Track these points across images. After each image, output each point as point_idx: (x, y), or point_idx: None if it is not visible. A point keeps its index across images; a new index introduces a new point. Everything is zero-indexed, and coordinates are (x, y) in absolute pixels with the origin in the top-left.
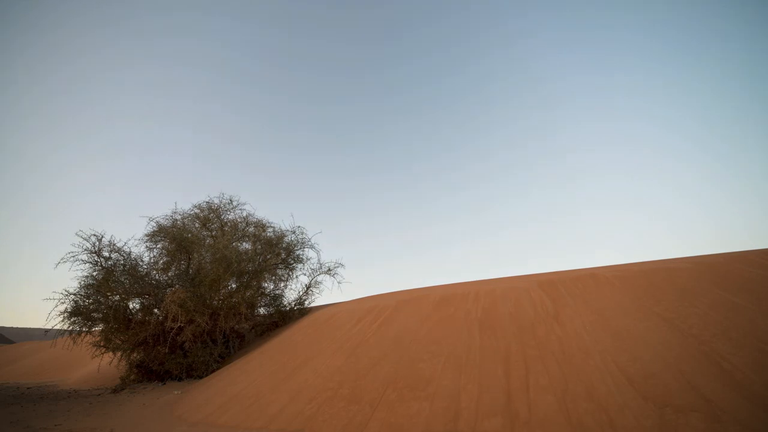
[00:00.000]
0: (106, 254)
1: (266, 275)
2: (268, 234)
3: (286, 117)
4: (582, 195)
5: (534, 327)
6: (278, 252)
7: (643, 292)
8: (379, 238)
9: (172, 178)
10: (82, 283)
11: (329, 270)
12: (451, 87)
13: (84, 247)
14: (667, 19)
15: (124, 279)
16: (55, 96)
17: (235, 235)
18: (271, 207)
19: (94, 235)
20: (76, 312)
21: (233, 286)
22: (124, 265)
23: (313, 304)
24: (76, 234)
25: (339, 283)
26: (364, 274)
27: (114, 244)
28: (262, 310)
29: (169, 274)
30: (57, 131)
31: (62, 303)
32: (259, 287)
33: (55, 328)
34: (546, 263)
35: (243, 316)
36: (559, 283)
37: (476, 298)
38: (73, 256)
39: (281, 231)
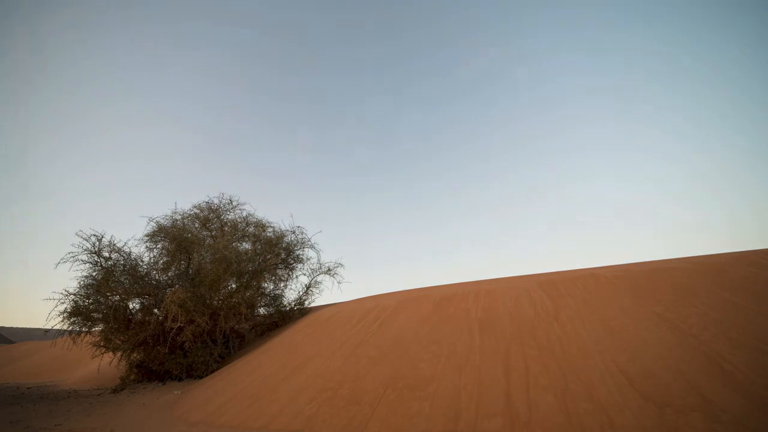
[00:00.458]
0: (106, 254)
1: (266, 275)
2: (268, 234)
3: (286, 116)
4: (582, 195)
5: (534, 327)
6: (278, 252)
7: (643, 292)
8: (379, 238)
9: (172, 179)
10: (82, 283)
11: (329, 270)
12: (454, 87)
13: (84, 247)
14: (666, 18)
15: (124, 279)
16: (55, 96)
17: (235, 235)
18: (270, 207)
19: (94, 235)
20: (76, 312)
21: (233, 286)
22: (124, 265)
23: (313, 304)
24: (76, 234)
25: (339, 283)
26: (364, 274)
27: (114, 244)
28: (262, 310)
29: (169, 274)
30: (57, 132)
31: (62, 303)
32: (259, 287)
33: (55, 328)
34: (546, 263)
35: (243, 316)
36: (559, 283)
37: (476, 299)
38: (73, 257)
39: (281, 231)
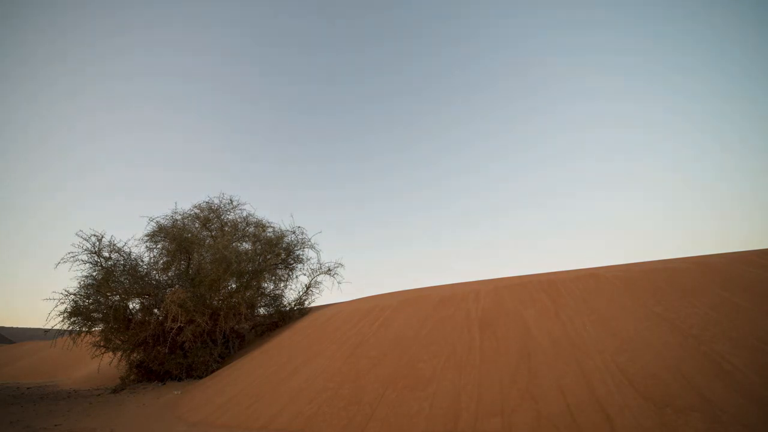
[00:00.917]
0: (106, 254)
1: (266, 275)
2: (268, 234)
3: (286, 116)
4: (582, 195)
5: (534, 327)
6: (278, 252)
7: (643, 292)
8: (380, 238)
9: (172, 178)
10: (82, 283)
11: (329, 270)
12: (457, 87)
13: (84, 247)
14: (666, 18)
15: (124, 279)
16: (55, 97)
17: (235, 235)
18: (270, 207)
19: (94, 235)
20: (75, 312)
21: (233, 286)
22: (124, 266)
23: (313, 305)
24: (76, 234)
25: (339, 283)
26: (364, 275)
27: (114, 245)
28: (262, 310)
29: (169, 274)
30: (57, 132)
31: (62, 303)
32: (259, 287)
33: (55, 328)
34: (546, 263)
35: (243, 317)
36: (560, 283)
37: (476, 299)
38: (73, 256)
39: (281, 231)
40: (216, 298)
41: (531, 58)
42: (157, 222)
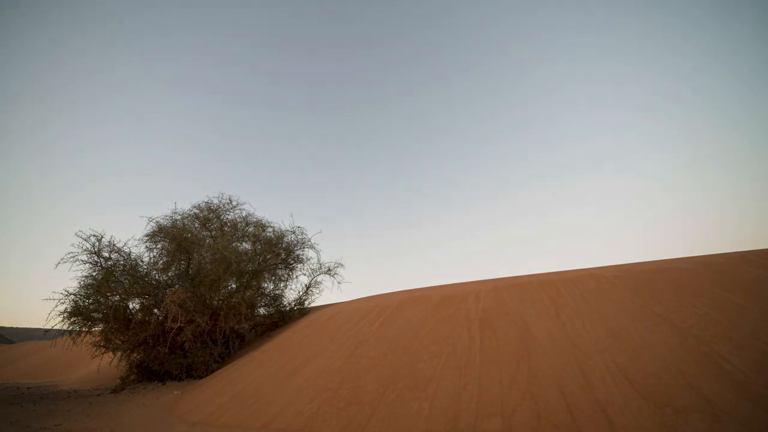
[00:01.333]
0: (105, 254)
1: (266, 275)
2: (268, 234)
3: (286, 116)
4: (583, 195)
5: (534, 327)
6: (278, 252)
7: (643, 292)
8: (380, 238)
9: (172, 179)
10: (82, 283)
11: (329, 270)
12: (457, 87)
13: (84, 247)
14: (667, 18)
15: (124, 279)
16: (55, 97)
17: (234, 235)
18: (271, 207)
19: (94, 235)
20: (76, 312)
21: (233, 286)
22: (124, 266)
23: (313, 304)
24: (76, 234)
25: (339, 283)
26: (364, 275)
27: (114, 245)
28: (262, 310)
29: (169, 274)
30: (57, 132)
31: (62, 303)
32: (259, 287)
33: (55, 328)
34: (546, 263)
35: (243, 316)
36: (560, 283)
37: (476, 299)
38: (73, 257)
39: (281, 231)
40: (216, 298)
41: (532, 59)
42: (157, 222)
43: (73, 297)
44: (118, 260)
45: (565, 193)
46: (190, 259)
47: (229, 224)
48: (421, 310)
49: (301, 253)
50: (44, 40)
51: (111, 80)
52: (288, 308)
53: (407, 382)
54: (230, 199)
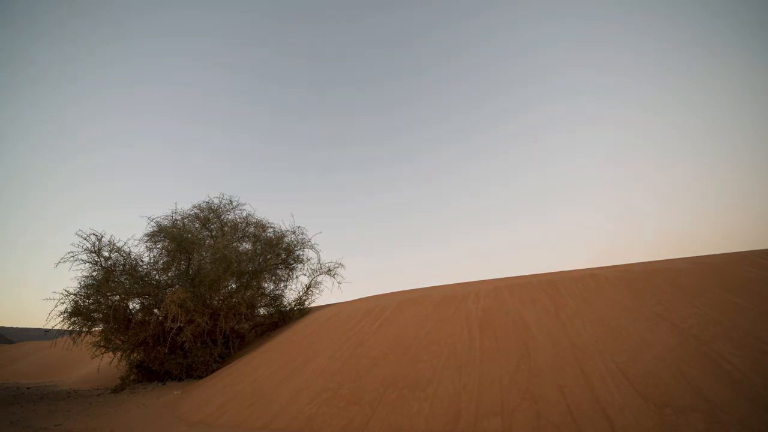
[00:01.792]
0: (105, 254)
1: (266, 275)
2: (268, 234)
3: (286, 115)
4: (582, 195)
5: (534, 327)
6: (278, 252)
7: (643, 292)
8: (380, 238)
9: (172, 179)
10: (82, 283)
11: (329, 270)
12: (457, 86)
13: (84, 247)
14: (667, 18)
15: (124, 279)
16: (55, 96)
17: (235, 235)
18: (271, 207)
19: (94, 234)
20: (76, 312)
21: (233, 286)
22: (124, 265)
23: (313, 305)
24: (76, 234)
25: (339, 283)
26: (364, 275)
27: (114, 244)
28: (262, 311)
29: (169, 274)
30: (57, 132)
31: (62, 303)
32: (259, 287)
33: (55, 328)
34: (546, 263)
35: (243, 316)
36: (560, 283)
37: (476, 299)
38: (73, 256)
39: (281, 231)
40: (216, 298)
41: (531, 59)
42: (157, 222)
43: (73, 297)
44: (118, 260)
45: (565, 194)
46: (190, 259)
47: (229, 224)
48: (421, 310)
49: (301, 253)
50: (45, 39)
51: (110, 80)
52: (288, 308)
53: (407, 382)
54: (230, 200)
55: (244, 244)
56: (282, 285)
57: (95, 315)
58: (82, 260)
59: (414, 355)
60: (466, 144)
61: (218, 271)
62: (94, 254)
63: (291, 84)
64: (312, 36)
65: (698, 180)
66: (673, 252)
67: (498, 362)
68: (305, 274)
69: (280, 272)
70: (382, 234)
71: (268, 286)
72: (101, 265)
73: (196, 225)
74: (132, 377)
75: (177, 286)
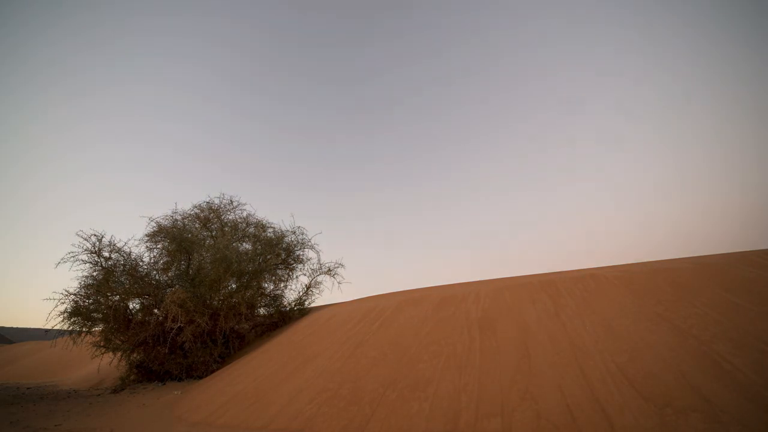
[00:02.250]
0: (106, 254)
1: (266, 275)
2: (268, 234)
3: (286, 114)
4: (582, 195)
5: (534, 327)
6: (278, 252)
7: (643, 293)
8: (380, 239)
9: (172, 179)
10: (82, 283)
11: (329, 270)
12: (456, 85)
13: (84, 247)
14: (668, 18)
15: (124, 279)
16: (55, 95)
17: (235, 235)
18: (271, 207)
19: (94, 235)
20: (76, 312)
21: (233, 286)
22: (124, 266)
23: (313, 305)
24: (76, 234)
25: (339, 283)
26: (364, 275)
27: (114, 245)
28: (262, 311)
29: (169, 274)
30: (57, 131)
31: (62, 303)
32: (259, 287)
33: (55, 328)
34: (546, 263)
35: (243, 317)
36: (560, 283)
37: (476, 299)
38: (73, 256)
39: (281, 231)
40: (216, 298)
41: (529, 58)
42: (157, 222)
43: (73, 297)
44: (118, 260)
45: (566, 193)
46: (190, 259)
47: (229, 224)
48: (421, 311)
49: (302, 253)
50: (47, 44)
51: (110, 80)
52: (288, 308)
53: (407, 382)
54: (231, 200)
55: (244, 244)
56: (282, 285)
57: (95, 315)
58: (83, 261)
59: (414, 356)
60: (469, 142)
61: (218, 271)
62: (94, 254)
63: (290, 85)
64: (312, 36)
65: (699, 180)
66: (673, 252)
67: (498, 362)
68: (305, 274)
69: (280, 272)
70: (381, 234)
71: (268, 286)
72: (101, 266)
73: (197, 225)
74: (132, 377)
75: (177, 286)
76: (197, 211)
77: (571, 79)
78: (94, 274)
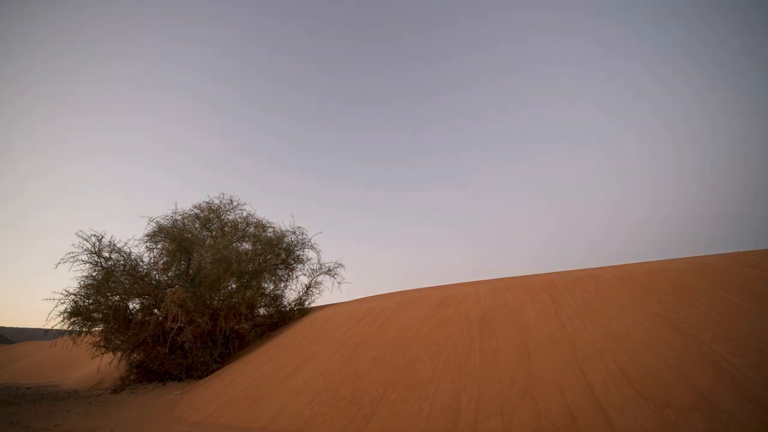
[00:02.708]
0: (106, 254)
1: (266, 275)
2: (268, 234)
3: (286, 115)
4: (582, 195)
5: (534, 327)
6: (278, 252)
7: (643, 293)
8: (380, 239)
9: (172, 179)
10: (82, 283)
11: (329, 270)
12: (456, 86)
13: (84, 247)
14: (668, 18)
15: (124, 279)
16: (55, 95)
17: (235, 235)
18: (271, 207)
19: (94, 235)
20: (76, 312)
21: (233, 286)
22: (124, 266)
23: (313, 305)
24: (77, 234)
25: (339, 283)
26: (364, 275)
27: (114, 245)
28: (262, 311)
29: (169, 274)
30: (57, 131)
31: (62, 303)
32: (259, 287)
33: (55, 328)
34: (546, 264)
35: (243, 317)
36: (560, 283)
37: (476, 299)
38: (73, 257)
39: (281, 231)
40: (216, 298)
41: (527, 57)
42: (157, 222)
43: (73, 297)
44: (118, 260)
45: (566, 193)
46: (190, 260)
47: (229, 224)
48: (420, 311)
49: (302, 253)
50: (53, 42)
51: (110, 80)
52: (288, 308)
53: (407, 383)
54: (231, 200)
55: (244, 244)
56: (282, 285)
57: (95, 315)
58: (83, 261)
59: (414, 356)
60: (469, 142)
61: (218, 271)
62: (94, 255)
63: (292, 83)
64: (312, 34)
65: (699, 179)
66: (673, 252)
67: (498, 362)
68: (305, 274)
69: (280, 272)
70: (381, 234)
71: (268, 286)
72: (101, 266)
73: (197, 225)
74: (132, 377)
75: (177, 286)
76: (197, 211)
77: (571, 75)
78: (94, 274)
